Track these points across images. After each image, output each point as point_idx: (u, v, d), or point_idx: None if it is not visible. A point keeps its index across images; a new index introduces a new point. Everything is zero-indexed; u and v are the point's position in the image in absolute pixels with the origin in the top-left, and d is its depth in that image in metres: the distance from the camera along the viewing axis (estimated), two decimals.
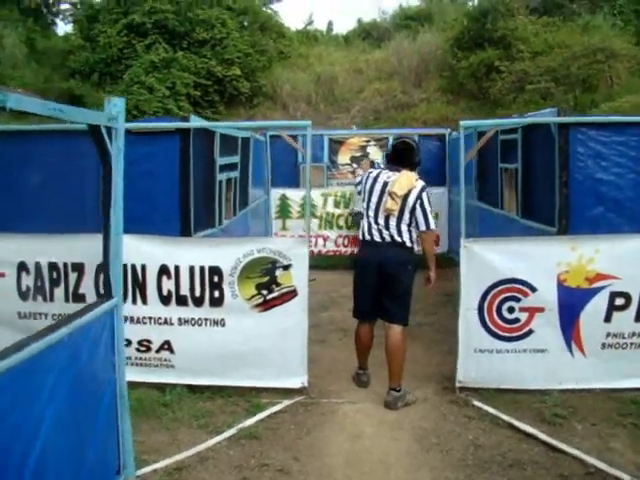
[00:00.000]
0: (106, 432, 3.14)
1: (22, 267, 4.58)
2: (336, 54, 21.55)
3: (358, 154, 9.60)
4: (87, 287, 4.60)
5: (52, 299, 4.64)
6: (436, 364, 5.14)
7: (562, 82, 14.28)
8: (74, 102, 14.96)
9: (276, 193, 9.11)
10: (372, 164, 7.93)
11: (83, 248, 4.59)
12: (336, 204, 9.14)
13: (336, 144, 9.87)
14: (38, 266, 4.60)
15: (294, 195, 9.14)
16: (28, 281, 4.59)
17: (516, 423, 4.03)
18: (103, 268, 3.20)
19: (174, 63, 17.79)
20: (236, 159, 6.36)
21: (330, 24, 27.04)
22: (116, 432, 3.24)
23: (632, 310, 4.34)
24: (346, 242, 9.15)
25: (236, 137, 6.33)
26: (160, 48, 18.02)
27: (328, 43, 23.55)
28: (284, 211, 9.14)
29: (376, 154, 9.43)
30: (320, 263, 8.31)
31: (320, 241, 9.18)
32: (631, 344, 4.38)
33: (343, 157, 9.66)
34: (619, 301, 4.34)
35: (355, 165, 9.45)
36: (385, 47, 20.92)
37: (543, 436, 3.85)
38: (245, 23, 21.04)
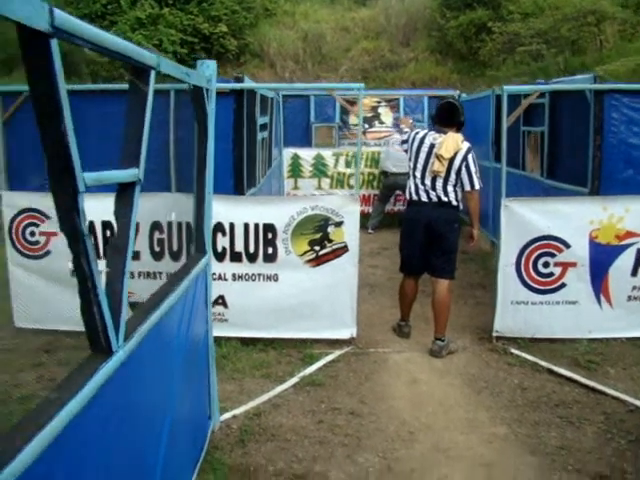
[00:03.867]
0: (202, 380, 3.36)
1: None
2: (322, 11, 21.28)
3: (369, 115, 9.72)
4: (141, 245, 4.77)
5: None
6: (467, 316, 5.45)
7: (552, 44, 14.44)
8: None
9: (288, 153, 9.20)
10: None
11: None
12: (347, 164, 9.25)
13: (347, 104, 9.92)
14: (91, 225, 4.73)
15: (306, 155, 9.27)
16: None
17: (555, 368, 4.37)
18: (195, 225, 3.35)
19: (160, 20, 17.42)
20: (267, 119, 6.46)
21: None
22: (207, 380, 3.47)
23: None
24: None
25: (269, 97, 6.41)
26: (146, 4, 17.58)
27: (312, 0, 23.26)
28: (295, 170, 9.25)
29: (387, 115, 9.55)
30: None
31: None
32: None
33: (354, 117, 9.80)
34: None
35: (367, 125, 9.57)
36: (371, 5, 20.77)
37: (582, 379, 4.20)
38: None
